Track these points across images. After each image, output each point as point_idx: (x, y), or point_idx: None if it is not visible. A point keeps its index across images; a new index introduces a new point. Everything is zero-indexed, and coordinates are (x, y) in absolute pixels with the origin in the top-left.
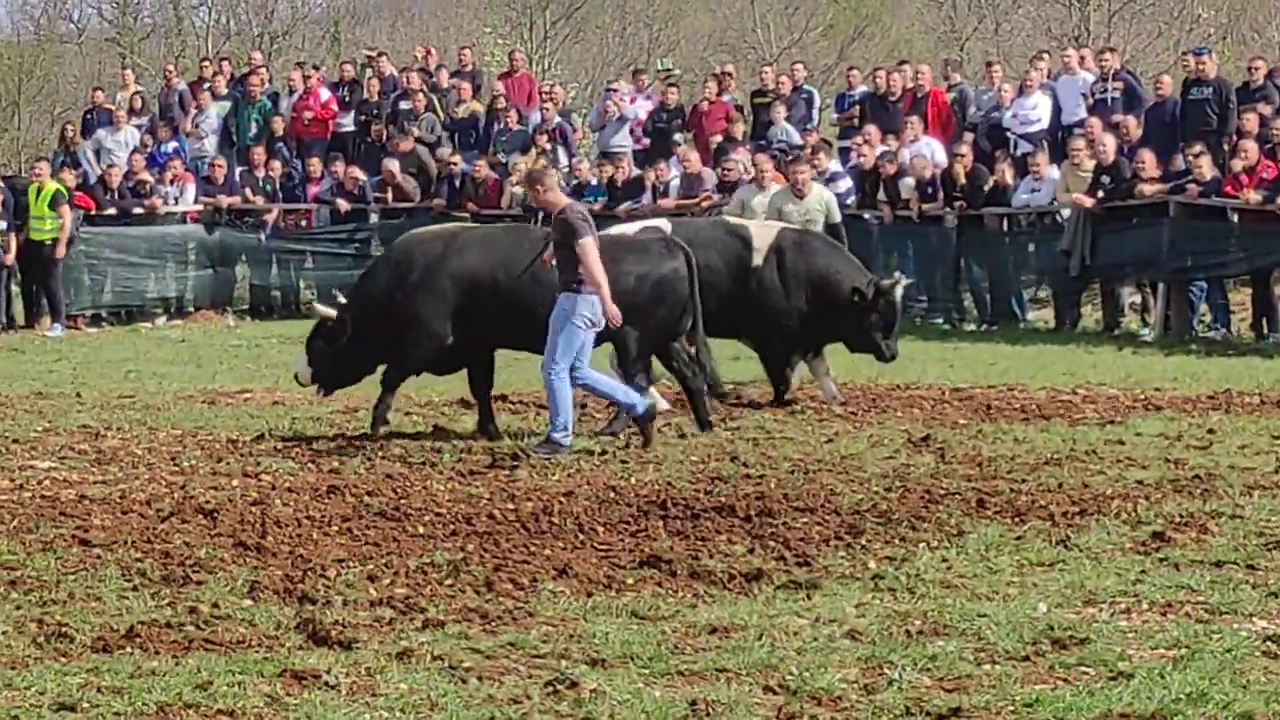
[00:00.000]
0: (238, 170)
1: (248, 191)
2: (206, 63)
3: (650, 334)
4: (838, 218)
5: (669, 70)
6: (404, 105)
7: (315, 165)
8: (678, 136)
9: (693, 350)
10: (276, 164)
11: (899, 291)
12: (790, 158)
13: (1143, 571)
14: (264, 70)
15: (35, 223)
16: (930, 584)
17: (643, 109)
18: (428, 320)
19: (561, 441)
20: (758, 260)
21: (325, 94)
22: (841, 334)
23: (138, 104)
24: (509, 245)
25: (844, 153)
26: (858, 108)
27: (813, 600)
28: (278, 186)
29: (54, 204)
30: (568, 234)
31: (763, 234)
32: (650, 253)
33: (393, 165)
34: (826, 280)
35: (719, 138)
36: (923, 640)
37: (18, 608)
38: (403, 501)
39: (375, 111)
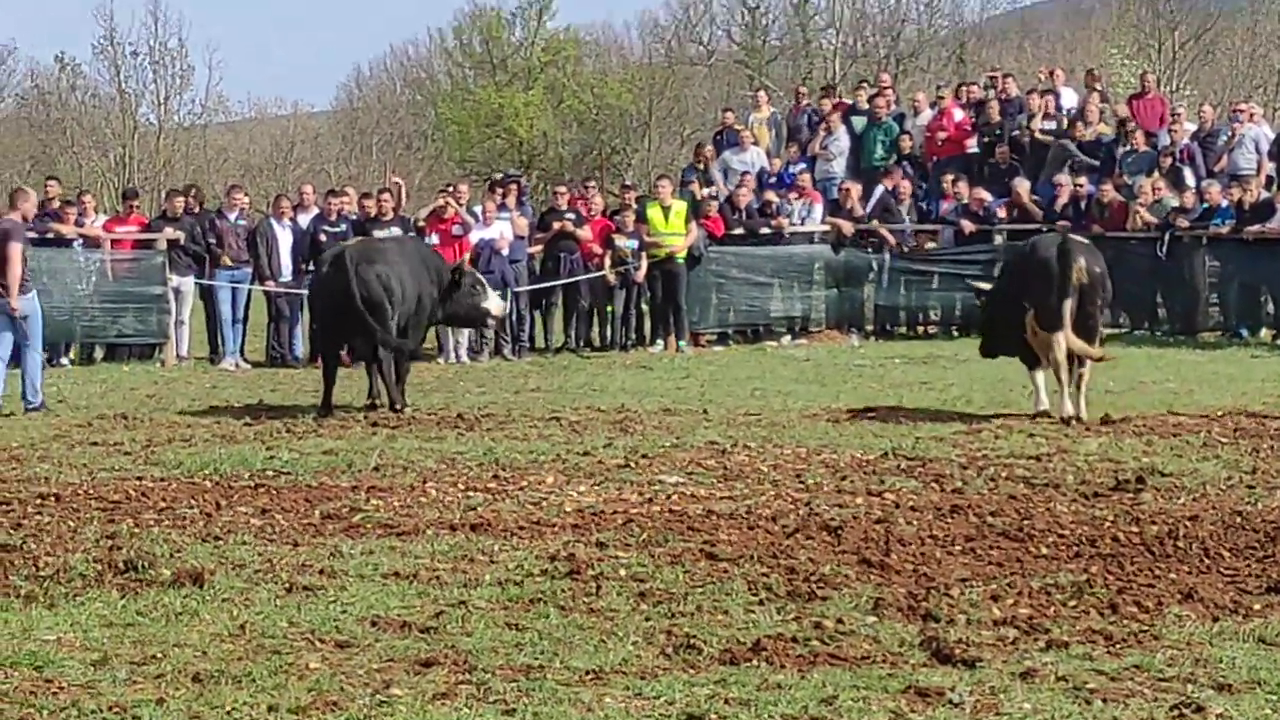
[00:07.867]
0: (882, 191)
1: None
2: (836, 85)
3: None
4: None
5: None
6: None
7: (947, 185)
8: None
9: None
10: (905, 184)
11: None
12: None
13: None
14: (890, 91)
15: (666, 240)
16: None
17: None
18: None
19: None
20: None
21: (959, 114)
22: None
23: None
24: None
25: None
26: None
27: None
28: (906, 207)
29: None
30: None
31: None
32: None
33: (1022, 186)
34: None
35: None
36: None
37: (647, 619)
38: (1026, 522)
39: (999, 133)
